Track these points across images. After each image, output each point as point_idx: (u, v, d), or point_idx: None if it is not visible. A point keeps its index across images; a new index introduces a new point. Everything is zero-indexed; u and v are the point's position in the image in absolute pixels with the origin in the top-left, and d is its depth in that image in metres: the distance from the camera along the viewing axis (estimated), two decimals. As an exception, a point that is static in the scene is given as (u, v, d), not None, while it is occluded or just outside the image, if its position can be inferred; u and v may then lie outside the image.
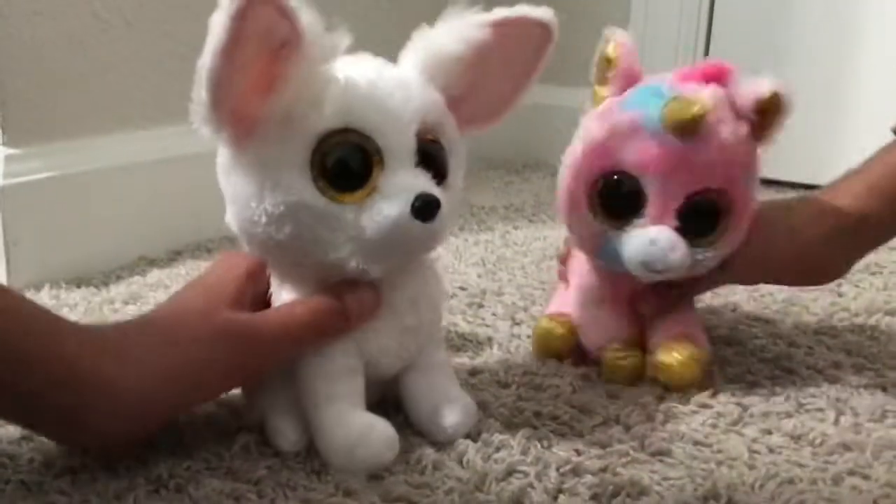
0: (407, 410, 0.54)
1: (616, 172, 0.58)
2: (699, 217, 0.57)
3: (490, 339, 0.69)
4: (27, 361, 0.43)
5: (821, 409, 0.58)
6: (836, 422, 0.57)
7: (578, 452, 0.52)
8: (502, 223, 1.06)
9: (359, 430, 0.50)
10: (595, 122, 0.59)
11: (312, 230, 0.47)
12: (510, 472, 0.50)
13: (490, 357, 0.66)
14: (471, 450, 0.52)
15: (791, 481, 0.49)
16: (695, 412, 0.58)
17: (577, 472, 0.50)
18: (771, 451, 0.53)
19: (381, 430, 0.50)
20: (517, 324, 0.73)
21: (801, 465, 0.51)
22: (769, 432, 0.55)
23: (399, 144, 0.48)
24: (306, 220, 0.47)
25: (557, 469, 0.50)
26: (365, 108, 0.47)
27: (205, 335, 0.47)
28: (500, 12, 0.52)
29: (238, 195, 0.48)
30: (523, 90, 0.55)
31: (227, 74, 0.43)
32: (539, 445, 0.52)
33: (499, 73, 0.54)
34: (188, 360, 0.47)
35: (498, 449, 0.52)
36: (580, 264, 0.65)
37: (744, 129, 0.56)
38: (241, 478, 0.49)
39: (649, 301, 0.62)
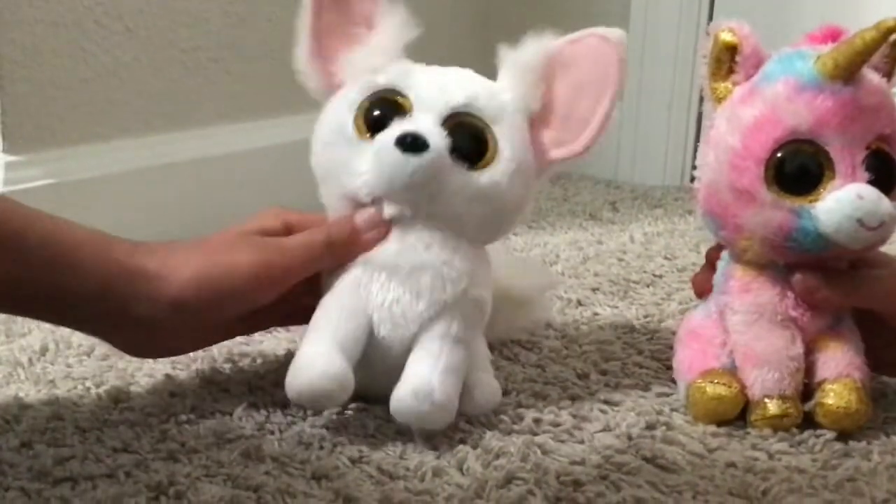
0: None
1: (792, 141, 0.54)
2: (880, 170, 0.54)
3: (490, 345, 0.69)
4: (83, 266, 0.51)
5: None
6: (837, 428, 0.57)
7: (578, 460, 0.52)
8: (502, 229, 1.06)
9: (311, 353, 0.53)
10: (743, 106, 0.56)
11: (342, 157, 0.56)
12: (510, 480, 0.49)
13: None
14: (471, 457, 0.52)
15: (791, 488, 0.49)
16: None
17: (576, 480, 0.50)
18: (771, 457, 0.53)
19: (329, 361, 0.52)
20: (517, 330, 0.73)
21: (801, 472, 0.51)
22: (769, 438, 0.55)
23: (427, 104, 0.55)
24: (339, 146, 0.56)
25: (557, 477, 0.50)
26: (409, 75, 0.57)
27: (234, 238, 0.56)
28: (572, 35, 0.58)
29: (313, 134, 0.59)
30: (602, 109, 0.57)
31: (316, 30, 0.58)
32: (539, 452, 0.52)
33: (575, 93, 0.58)
34: (217, 257, 0.54)
35: (498, 456, 0.52)
36: (739, 281, 0.59)
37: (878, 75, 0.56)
38: (241, 484, 0.49)
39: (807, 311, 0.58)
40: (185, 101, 0.99)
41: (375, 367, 0.55)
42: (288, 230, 0.58)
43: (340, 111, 0.57)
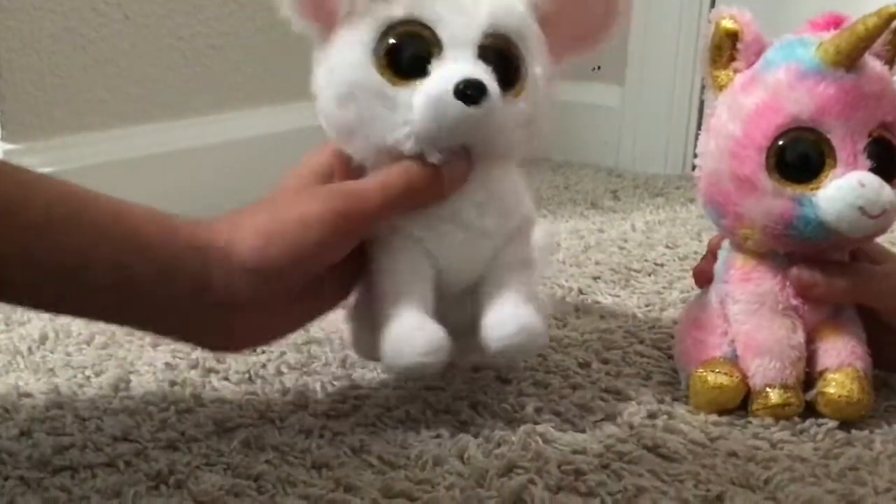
0: None
1: (794, 128, 0.54)
2: (882, 158, 0.54)
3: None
4: (151, 246, 0.48)
5: (823, 405, 0.58)
6: (838, 417, 0.57)
7: (580, 449, 0.52)
8: (503, 218, 1.06)
9: (409, 326, 0.51)
10: (744, 93, 0.56)
11: (372, 110, 0.51)
12: (511, 469, 0.49)
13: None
14: (472, 445, 0.51)
15: (793, 477, 0.49)
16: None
17: (578, 468, 0.50)
18: (772, 446, 0.53)
19: (427, 332, 0.51)
20: (518, 319, 0.73)
21: (802, 460, 0.51)
22: (770, 427, 0.55)
23: (460, 36, 0.51)
24: (366, 99, 0.50)
25: (558, 466, 0.50)
26: (431, 1, 0.51)
27: (298, 191, 0.52)
28: None
29: (317, 85, 0.53)
30: (614, 11, 0.55)
31: None
32: (540, 441, 0.52)
33: None
34: (286, 213, 0.50)
35: (499, 445, 0.52)
36: (739, 270, 0.58)
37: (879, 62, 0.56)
38: (241, 473, 0.48)
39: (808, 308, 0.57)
40: (183, 89, 0.98)
41: (437, 301, 0.54)
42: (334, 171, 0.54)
43: (355, 58, 0.51)
